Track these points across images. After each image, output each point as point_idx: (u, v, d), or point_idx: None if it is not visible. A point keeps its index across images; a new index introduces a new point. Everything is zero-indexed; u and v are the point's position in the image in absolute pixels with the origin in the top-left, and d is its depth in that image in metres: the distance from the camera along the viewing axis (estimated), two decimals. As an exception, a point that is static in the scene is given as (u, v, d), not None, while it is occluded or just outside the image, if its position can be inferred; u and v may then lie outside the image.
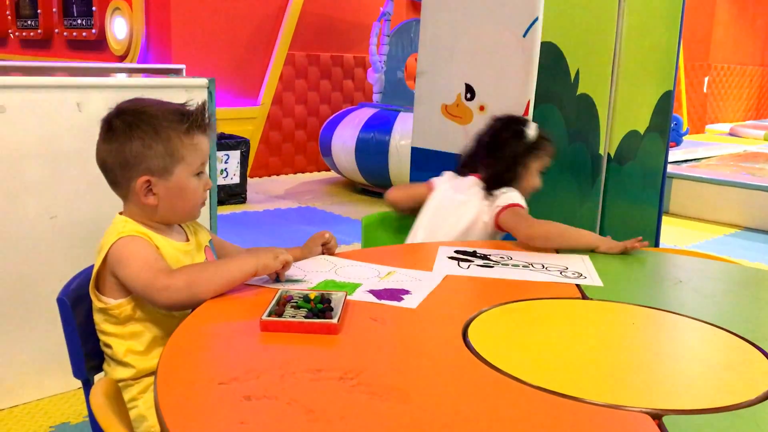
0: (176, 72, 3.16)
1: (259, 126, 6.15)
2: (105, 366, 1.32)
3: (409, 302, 1.26)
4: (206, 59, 5.74)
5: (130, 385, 1.28)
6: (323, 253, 1.54)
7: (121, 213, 1.33)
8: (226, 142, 5.02)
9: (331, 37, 6.65)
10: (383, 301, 1.26)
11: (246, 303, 1.22)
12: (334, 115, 5.82)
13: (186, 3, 5.62)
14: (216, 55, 5.82)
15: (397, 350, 1.08)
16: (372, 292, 1.31)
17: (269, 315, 1.11)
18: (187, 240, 1.37)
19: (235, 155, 5.09)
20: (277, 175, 6.43)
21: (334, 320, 1.10)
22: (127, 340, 1.28)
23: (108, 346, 1.29)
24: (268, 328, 1.10)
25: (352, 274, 1.41)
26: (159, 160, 1.26)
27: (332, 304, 1.16)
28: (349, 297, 1.25)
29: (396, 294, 1.30)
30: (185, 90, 2.34)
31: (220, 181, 4.99)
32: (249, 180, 5.51)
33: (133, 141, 1.25)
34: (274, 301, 1.17)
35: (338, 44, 6.72)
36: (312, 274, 1.39)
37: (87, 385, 1.28)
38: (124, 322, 1.27)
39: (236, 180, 5.12)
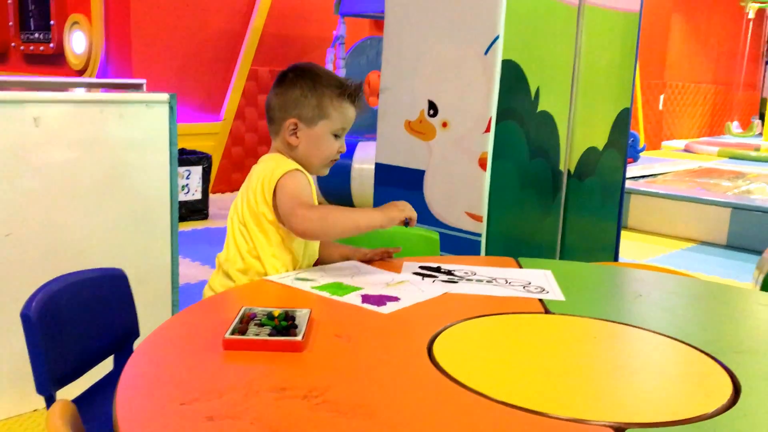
0: (137, 87, 3.11)
1: (222, 141, 6.11)
2: (232, 269, 1.53)
3: (387, 308, 1.29)
4: (167, 74, 5.68)
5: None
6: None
7: (270, 151, 1.59)
8: (187, 157, 4.96)
9: (294, 52, 6.65)
10: (365, 305, 1.30)
11: (209, 321, 1.20)
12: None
13: (147, 17, 5.57)
14: (178, 69, 5.77)
15: (362, 367, 1.07)
16: (363, 296, 1.35)
17: (232, 333, 1.10)
18: None
19: (197, 171, 5.04)
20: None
21: (299, 338, 1.09)
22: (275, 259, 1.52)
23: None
24: (231, 346, 1.08)
25: (367, 280, 1.47)
26: (309, 110, 1.54)
27: (296, 322, 1.15)
28: (338, 299, 1.31)
29: (383, 300, 1.33)
30: (146, 105, 2.31)
31: (182, 197, 4.93)
32: (211, 196, 5.45)
33: (295, 89, 1.55)
34: (237, 319, 1.15)
35: (301, 60, 6.71)
36: (330, 272, 1.51)
37: (50, 401, 1.25)
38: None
39: (198, 196, 5.07)
